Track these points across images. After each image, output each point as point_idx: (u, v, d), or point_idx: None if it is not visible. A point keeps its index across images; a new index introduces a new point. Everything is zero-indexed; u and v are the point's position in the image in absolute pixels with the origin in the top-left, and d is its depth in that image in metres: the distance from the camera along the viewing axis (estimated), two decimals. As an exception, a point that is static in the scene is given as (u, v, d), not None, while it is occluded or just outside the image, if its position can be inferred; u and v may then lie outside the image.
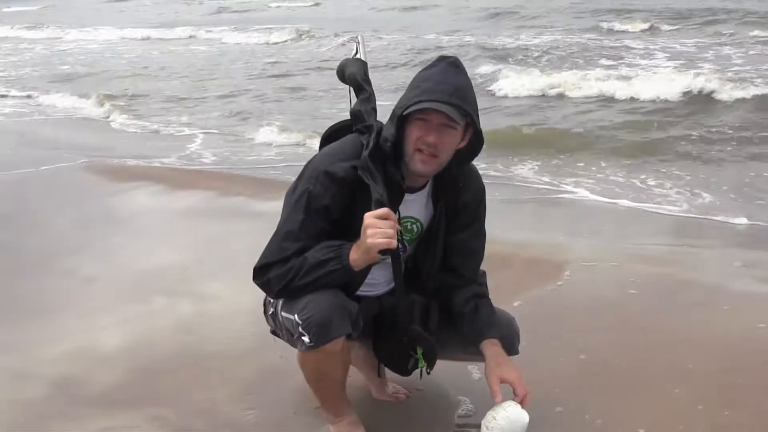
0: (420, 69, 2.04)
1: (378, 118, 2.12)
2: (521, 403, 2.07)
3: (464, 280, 2.23)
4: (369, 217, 1.89)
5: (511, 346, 2.21)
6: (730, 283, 3.53)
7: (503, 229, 3.91)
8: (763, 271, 3.75)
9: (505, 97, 9.59)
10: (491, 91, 9.80)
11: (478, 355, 2.17)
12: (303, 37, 17.78)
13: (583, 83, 9.52)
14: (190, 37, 20.22)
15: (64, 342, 3.14)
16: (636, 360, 2.77)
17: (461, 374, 2.61)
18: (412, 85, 1.99)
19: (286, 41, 17.70)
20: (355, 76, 2.15)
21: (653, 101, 8.57)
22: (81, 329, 3.27)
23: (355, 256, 1.94)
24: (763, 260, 3.98)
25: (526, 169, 6.39)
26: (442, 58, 2.00)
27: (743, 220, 4.72)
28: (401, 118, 1.95)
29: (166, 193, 5.57)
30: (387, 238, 1.86)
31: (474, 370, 2.62)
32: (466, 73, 1.99)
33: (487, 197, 2.25)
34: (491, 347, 2.14)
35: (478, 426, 2.15)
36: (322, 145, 2.21)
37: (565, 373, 2.67)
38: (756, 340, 2.89)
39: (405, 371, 2.23)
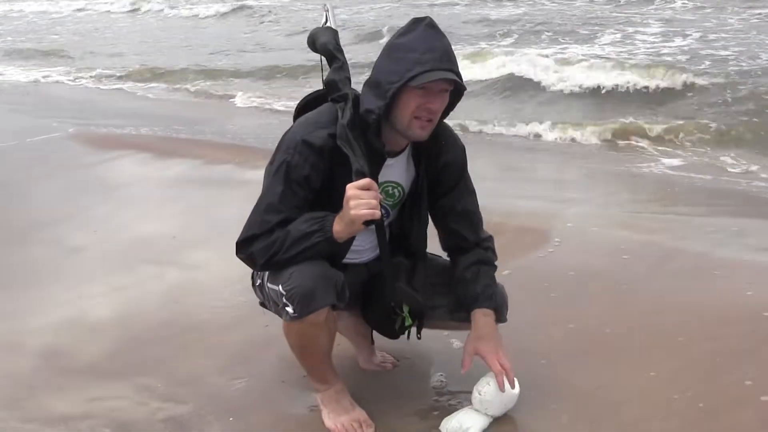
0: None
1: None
2: (507, 379, 2.06)
3: (468, 242, 2.21)
4: (351, 189, 1.86)
5: (499, 314, 2.21)
6: (722, 249, 3.53)
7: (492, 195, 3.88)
8: (757, 237, 3.74)
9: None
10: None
11: (465, 322, 2.16)
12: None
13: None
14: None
15: (52, 312, 3.13)
16: (625, 329, 2.73)
17: (449, 342, 2.61)
18: (394, 55, 1.93)
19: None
20: (326, 45, 2.10)
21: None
22: (68, 299, 3.25)
23: (339, 227, 1.92)
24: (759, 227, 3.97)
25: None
26: (416, 21, 1.95)
27: (748, 185, 4.69)
28: (397, 90, 1.90)
29: (153, 162, 5.51)
30: (370, 209, 1.84)
31: (455, 340, 2.59)
32: (443, 32, 1.95)
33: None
34: (482, 317, 2.13)
35: (468, 393, 2.16)
36: (297, 115, 2.16)
37: (554, 342, 2.63)
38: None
39: (393, 333, 2.23)
